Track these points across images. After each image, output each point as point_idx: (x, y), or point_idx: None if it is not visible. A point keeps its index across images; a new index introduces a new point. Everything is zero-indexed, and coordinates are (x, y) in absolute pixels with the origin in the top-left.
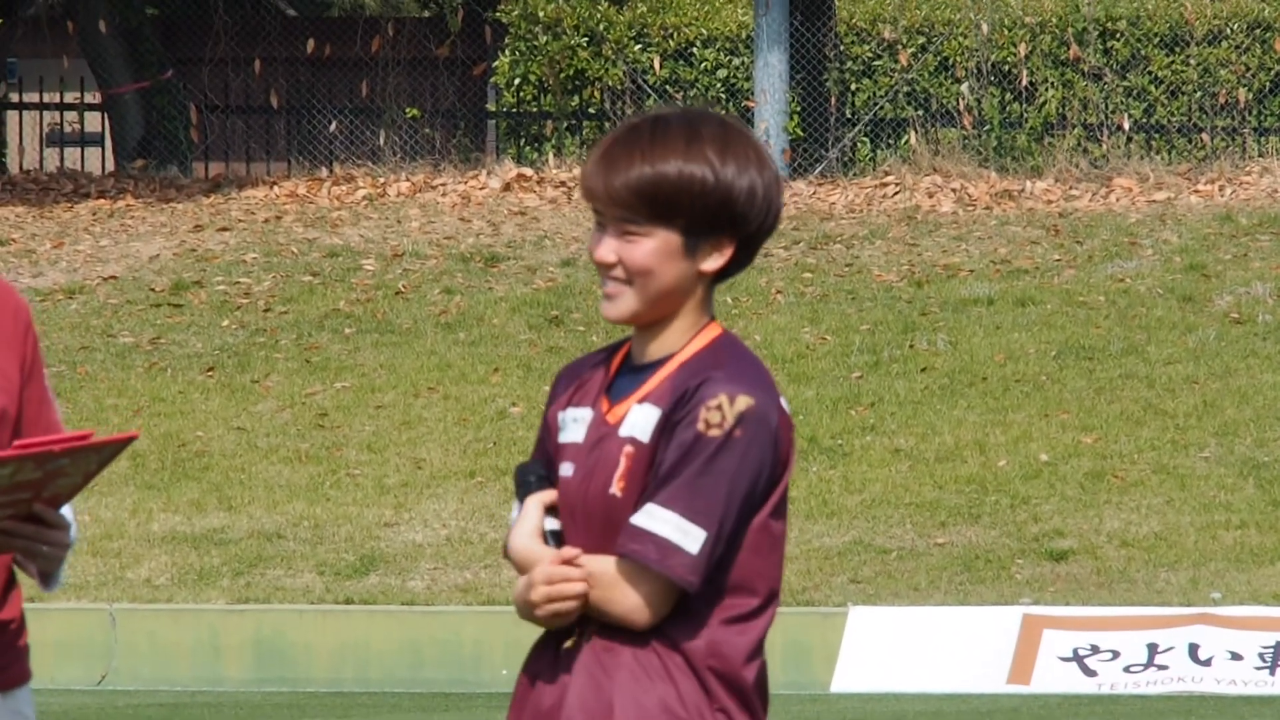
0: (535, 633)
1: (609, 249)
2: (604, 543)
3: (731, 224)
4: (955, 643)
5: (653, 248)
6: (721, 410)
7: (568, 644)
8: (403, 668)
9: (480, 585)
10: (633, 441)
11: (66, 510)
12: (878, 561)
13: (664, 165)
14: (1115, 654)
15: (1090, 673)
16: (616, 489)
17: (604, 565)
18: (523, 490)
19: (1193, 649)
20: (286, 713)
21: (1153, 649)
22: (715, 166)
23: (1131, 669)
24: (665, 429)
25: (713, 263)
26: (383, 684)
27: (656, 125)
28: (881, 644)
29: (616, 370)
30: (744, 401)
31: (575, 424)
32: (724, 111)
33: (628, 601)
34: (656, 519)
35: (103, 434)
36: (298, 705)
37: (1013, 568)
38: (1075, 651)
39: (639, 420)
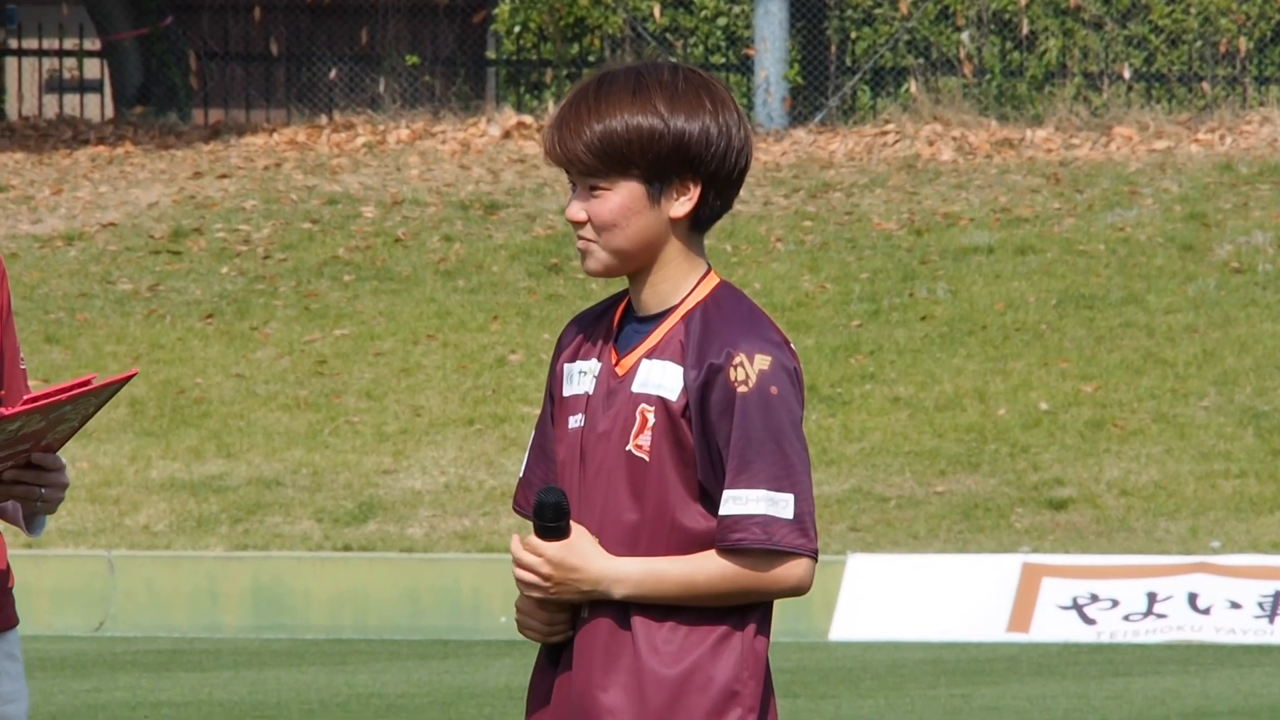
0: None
1: (578, 208)
2: (618, 493)
3: (690, 167)
4: (954, 591)
5: (618, 201)
6: (744, 367)
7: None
8: (401, 615)
9: (479, 532)
10: (651, 400)
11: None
12: (877, 510)
13: (611, 120)
14: (1115, 602)
15: (1089, 621)
16: (635, 448)
17: (725, 566)
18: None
19: (1192, 598)
20: (285, 660)
21: (1152, 598)
22: (663, 114)
23: (1131, 617)
24: (701, 399)
25: (681, 208)
26: (381, 631)
27: (603, 82)
28: (880, 592)
29: (620, 320)
30: (763, 359)
31: (582, 376)
32: (684, 62)
33: (781, 584)
34: (747, 502)
35: (102, 378)
36: (296, 652)
37: (1012, 516)
38: (1074, 600)
39: (655, 377)
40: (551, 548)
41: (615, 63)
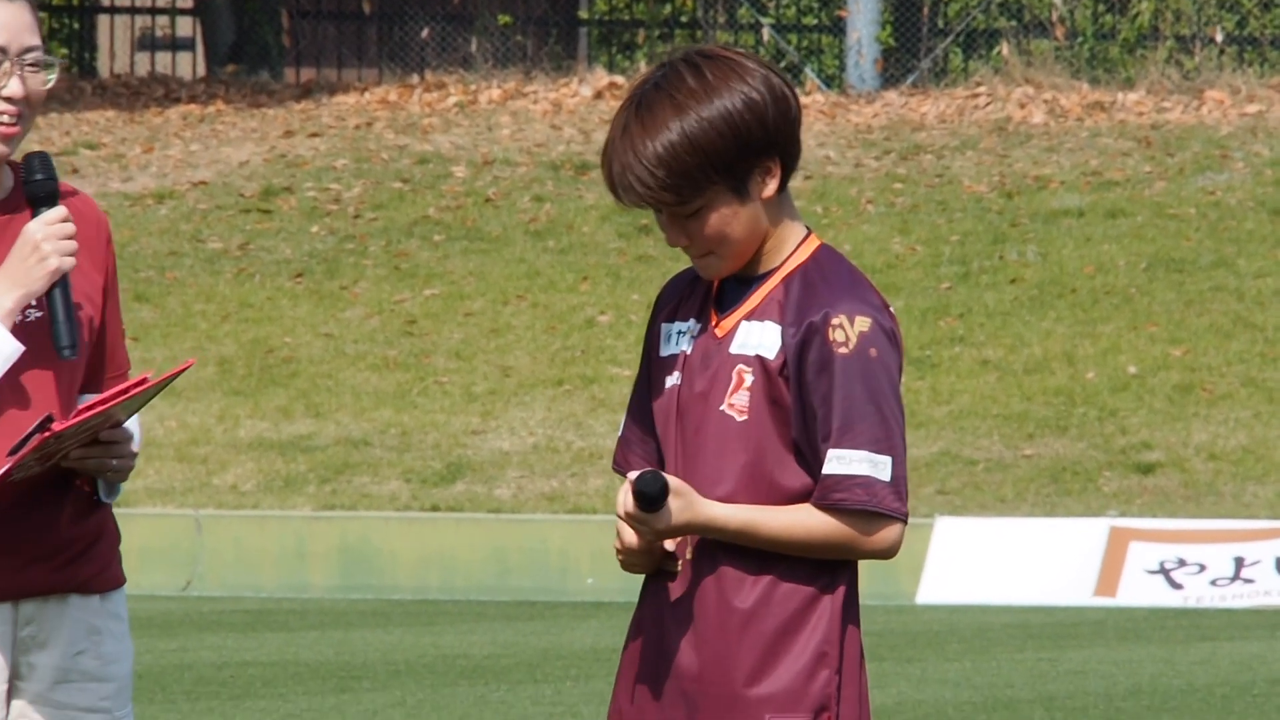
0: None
1: (677, 235)
2: (715, 451)
3: (758, 149)
4: (1042, 555)
5: (714, 218)
6: (844, 329)
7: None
8: (488, 575)
9: (567, 493)
10: (749, 360)
11: (131, 422)
12: (965, 473)
13: (665, 151)
14: (1202, 567)
15: (1176, 585)
16: (729, 407)
17: (824, 522)
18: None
19: (1279, 562)
20: (371, 620)
21: (1239, 562)
22: (708, 116)
23: (1218, 582)
24: (798, 357)
25: (770, 187)
26: (468, 592)
27: (640, 112)
28: (968, 555)
29: (720, 281)
30: (863, 321)
31: (680, 335)
32: (688, 47)
33: (876, 546)
34: (850, 462)
35: (156, 375)
36: (383, 613)
37: (1100, 480)
38: (1161, 564)
39: (754, 338)
40: (655, 519)
41: (670, 50)
